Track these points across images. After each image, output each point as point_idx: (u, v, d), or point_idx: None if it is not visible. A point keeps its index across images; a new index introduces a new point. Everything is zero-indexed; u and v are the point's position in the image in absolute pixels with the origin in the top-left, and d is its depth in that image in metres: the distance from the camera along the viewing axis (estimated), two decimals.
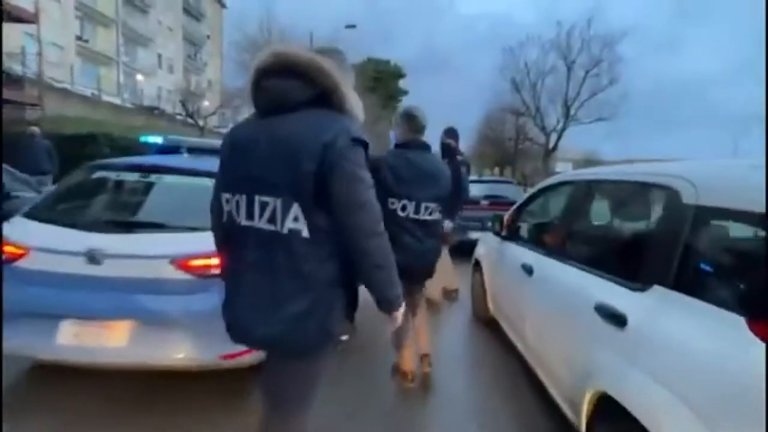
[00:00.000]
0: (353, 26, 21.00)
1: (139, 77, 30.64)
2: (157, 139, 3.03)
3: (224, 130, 31.71)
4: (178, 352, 1.99)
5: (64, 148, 8.54)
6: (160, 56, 34.86)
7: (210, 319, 2.04)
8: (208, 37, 41.44)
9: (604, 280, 1.70)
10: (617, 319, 1.49)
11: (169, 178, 2.33)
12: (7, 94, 11.41)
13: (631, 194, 1.98)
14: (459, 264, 4.66)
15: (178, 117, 27.40)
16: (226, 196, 1.18)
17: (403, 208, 2.18)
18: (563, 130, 23.95)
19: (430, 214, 2.26)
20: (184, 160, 2.71)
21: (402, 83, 40.59)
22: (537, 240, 2.73)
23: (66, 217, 2.14)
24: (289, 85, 1.08)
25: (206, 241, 2.13)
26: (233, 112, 33.31)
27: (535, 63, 24.14)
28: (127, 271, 1.97)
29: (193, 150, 2.96)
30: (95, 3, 28.22)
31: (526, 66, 24.20)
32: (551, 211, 2.95)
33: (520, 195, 7.41)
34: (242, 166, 1.12)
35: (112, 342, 1.95)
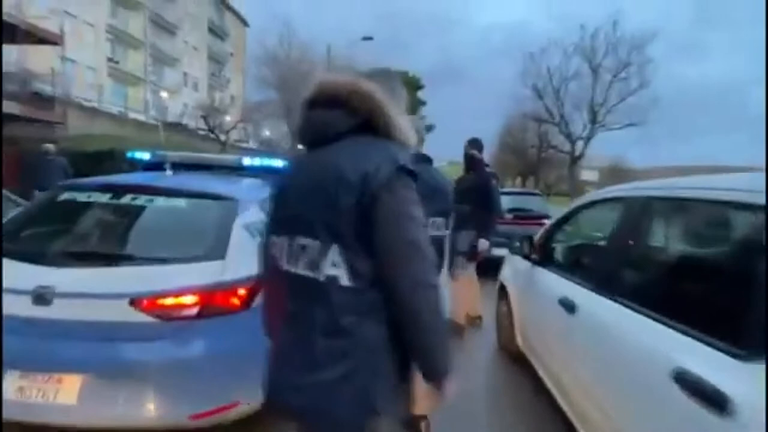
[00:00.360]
0: (370, 38, 21.00)
1: (164, 94, 31.70)
2: (145, 155, 2.77)
3: (245, 144, 32.43)
4: (139, 411, 1.64)
5: (84, 164, 8.61)
6: (185, 75, 36.10)
7: (177, 372, 1.69)
8: (232, 54, 42.73)
9: (684, 335, 1.25)
10: (712, 399, 1.04)
11: (141, 200, 2.03)
12: (37, 113, 11.79)
13: (718, 217, 1.50)
14: (482, 283, 4.19)
15: (200, 132, 28.05)
16: (273, 238, 1.06)
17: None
18: (590, 137, 22.94)
19: (437, 228, 2.24)
20: (164, 177, 2.41)
21: (420, 94, 40.49)
22: (579, 269, 2.27)
23: (21, 247, 1.85)
24: (331, 115, 0.99)
25: (177, 275, 1.78)
26: (254, 127, 33.98)
27: (557, 68, 23.38)
28: (78, 313, 1.65)
29: (178, 165, 2.67)
30: (126, 26, 29.56)
31: (548, 71, 23.47)
32: (598, 234, 2.48)
33: (546, 208, 6.86)
34: (284, 204, 1.03)
35: (60, 398, 1.63)
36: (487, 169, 3.70)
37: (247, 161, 2.71)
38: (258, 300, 1.96)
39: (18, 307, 1.65)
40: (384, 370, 0.92)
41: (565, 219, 2.59)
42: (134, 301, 1.65)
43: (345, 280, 0.90)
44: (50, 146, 7.21)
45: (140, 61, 31.13)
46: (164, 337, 1.68)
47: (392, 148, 0.96)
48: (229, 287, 1.82)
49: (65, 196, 2.09)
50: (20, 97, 11.79)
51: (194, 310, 1.73)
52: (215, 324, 1.78)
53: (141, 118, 26.76)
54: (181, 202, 2.06)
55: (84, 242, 1.92)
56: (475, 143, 3.93)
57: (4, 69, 12.77)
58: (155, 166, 2.72)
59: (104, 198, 2.05)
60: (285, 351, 1.00)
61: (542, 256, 2.59)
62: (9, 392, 1.63)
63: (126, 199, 2.04)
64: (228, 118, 29.10)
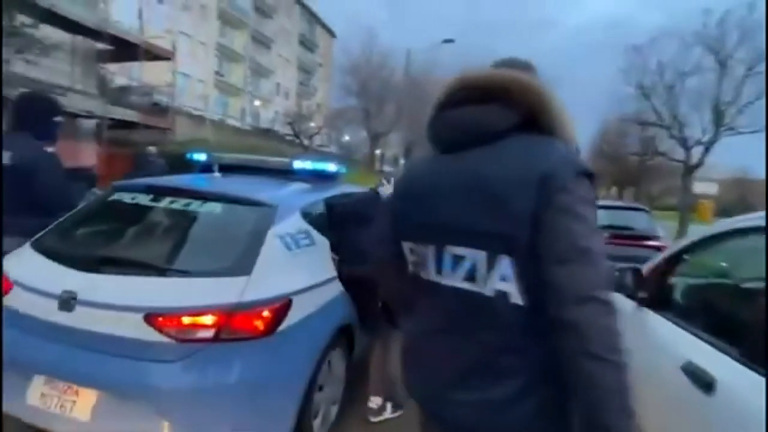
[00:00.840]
0: (451, 41, 20.41)
1: (257, 103, 34.70)
2: (201, 156, 2.73)
3: (326, 149, 34.05)
4: None
5: (182, 165, 9.52)
6: (278, 85, 39.19)
7: (187, 400, 1.48)
8: (320, 65, 45.34)
9: None
10: None
11: (178, 203, 1.91)
12: (151, 121, 13.56)
13: None
14: None
15: (288, 137, 30.08)
16: (409, 245, 0.98)
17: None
18: (712, 142, 18.98)
19: None
20: (209, 180, 2.30)
21: None
22: (716, 321, 1.61)
23: (60, 246, 1.83)
24: (485, 112, 0.88)
25: (196, 291, 1.55)
26: (337, 133, 35.52)
27: (671, 61, 19.64)
28: (97, 323, 1.53)
29: (229, 168, 2.56)
30: (231, 43, 33.06)
31: (659, 66, 19.95)
32: (744, 273, 1.77)
33: (654, 227, 5.63)
34: (426, 211, 0.93)
35: (75, 412, 1.52)
36: None
37: (297, 164, 2.50)
38: (289, 323, 1.70)
39: (45, 310, 1.59)
40: (554, 395, 0.82)
41: (695, 247, 1.88)
42: (148, 317, 1.49)
43: (516, 297, 0.82)
44: (152, 148, 8.04)
45: (241, 74, 34.54)
46: (176, 360, 1.49)
47: (563, 147, 0.86)
48: (251, 309, 1.58)
49: (114, 196, 2.06)
50: (140, 107, 13.67)
51: (210, 333, 1.51)
52: (233, 350, 1.55)
53: (238, 124, 29.57)
54: (216, 207, 1.89)
55: (112, 246, 1.84)
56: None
57: (129, 83, 14.96)
58: (211, 167, 2.66)
59: (145, 200, 1.97)
60: (434, 363, 0.93)
61: (656, 296, 1.93)
62: (32, 397, 1.58)
63: (164, 202, 1.94)
64: (312, 124, 30.79)
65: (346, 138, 35.90)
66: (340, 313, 2.15)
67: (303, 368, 1.78)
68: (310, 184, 2.50)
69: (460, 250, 0.87)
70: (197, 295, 1.55)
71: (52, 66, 9.75)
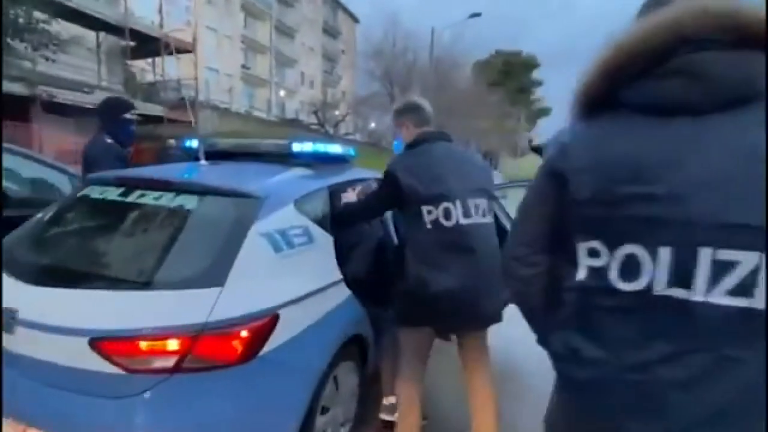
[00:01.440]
0: (478, 14, 19.28)
1: (281, 93, 34.78)
2: (193, 143, 2.42)
3: (351, 137, 33.67)
4: None
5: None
6: (302, 74, 39.04)
7: None
8: (343, 51, 44.74)
9: None
10: None
11: (147, 197, 1.59)
12: (178, 115, 13.69)
13: None
14: None
15: (313, 127, 29.96)
16: (592, 243, 0.73)
17: (447, 214, 1.63)
18: None
19: (483, 215, 1.71)
20: (190, 169, 1.98)
21: (535, 74, 36.56)
22: None
23: (19, 254, 1.54)
24: (750, 61, 0.64)
25: (154, 308, 1.19)
26: (362, 120, 35.07)
27: None
28: (37, 348, 1.25)
29: (222, 155, 2.23)
30: (255, 34, 33.10)
31: None
32: None
33: None
34: (649, 200, 0.67)
35: None
36: None
37: (296, 147, 2.14)
38: (275, 343, 1.36)
39: None
40: None
41: None
42: (94, 342, 1.18)
43: None
44: (172, 141, 8.00)
45: (266, 65, 34.61)
46: (127, 396, 1.18)
47: None
48: (223, 329, 1.24)
49: (85, 191, 1.77)
50: (168, 102, 13.82)
51: (169, 362, 1.19)
52: (200, 382, 1.22)
53: (263, 116, 29.74)
54: (190, 201, 1.56)
55: (64, 252, 1.54)
56: None
57: (157, 79, 15.16)
58: (210, 155, 2.35)
59: (113, 195, 1.66)
60: (679, 402, 0.68)
61: None
62: None
63: (132, 197, 1.62)
64: (337, 113, 30.49)
65: (372, 125, 35.39)
66: (348, 323, 1.79)
67: (296, 395, 1.44)
68: (312, 169, 2.14)
69: (728, 254, 0.63)
70: (155, 313, 1.23)
71: (78, 64, 9.90)
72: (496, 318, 1.71)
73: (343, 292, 1.82)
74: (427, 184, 1.63)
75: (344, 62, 44.98)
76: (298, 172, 2.02)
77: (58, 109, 9.97)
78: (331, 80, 42.90)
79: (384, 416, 2.04)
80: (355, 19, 45.62)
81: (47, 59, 7.10)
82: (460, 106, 29.09)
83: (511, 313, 1.16)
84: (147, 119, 12.19)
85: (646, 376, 0.69)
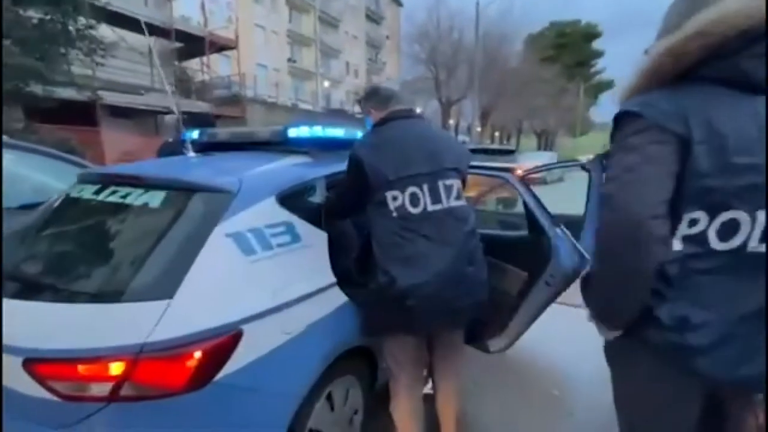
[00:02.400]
0: None
1: (326, 84, 35.14)
2: (194, 134, 2.27)
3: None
4: None
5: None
6: (347, 64, 39.08)
7: None
8: (387, 37, 44.08)
9: None
10: None
11: (115, 196, 1.44)
12: (226, 111, 14.25)
13: None
14: None
15: (358, 115, 29.96)
16: (696, 215, 0.82)
17: (414, 200, 1.46)
18: None
19: (457, 197, 1.52)
20: (172, 162, 1.81)
21: (596, 44, 33.36)
22: None
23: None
24: None
25: (95, 325, 1.00)
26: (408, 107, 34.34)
27: None
28: None
29: (216, 146, 2.06)
30: (300, 27, 33.58)
31: None
32: None
33: None
34: (756, 170, 0.77)
35: None
36: None
37: (292, 132, 1.90)
38: (237, 365, 1.14)
39: None
40: None
41: None
42: (27, 363, 1.04)
43: None
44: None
45: (312, 57, 35.07)
46: (62, 427, 1.02)
47: None
48: (167, 351, 1.04)
49: (69, 190, 1.67)
50: (218, 99, 14.40)
51: (104, 389, 1.01)
52: (140, 413, 1.04)
53: (310, 107, 30.25)
54: (155, 199, 1.38)
55: (21, 259, 1.40)
56: None
57: (206, 77, 15.84)
58: (209, 146, 2.20)
59: (88, 193, 1.54)
60: None
61: None
62: None
63: (103, 195, 1.48)
64: None
65: (418, 111, 34.68)
66: (344, 334, 1.55)
67: (266, 425, 1.22)
68: (311, 157, 1.89)
69: None
70: (93, 332, 1.06)
71: (133, 69, 10.53)
72: (474, 313, 1.56)
73: (338, 299, 1.57)
74: (392, 165, 1.47)
75: (388, 48, 44.35)
76: (290, 160, 1.79)
77: (119, 113, 10.73)
78: (376, 68, 42.56)
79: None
80: (399, 3, 44.60)
81: (98, 64, 7.59)
82: (511, 84, 27.43)
83: None
84: (195, 116, 12.80)
85: (750, 328, 0.80)
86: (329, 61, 37.32)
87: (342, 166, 1.92)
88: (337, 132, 2.04)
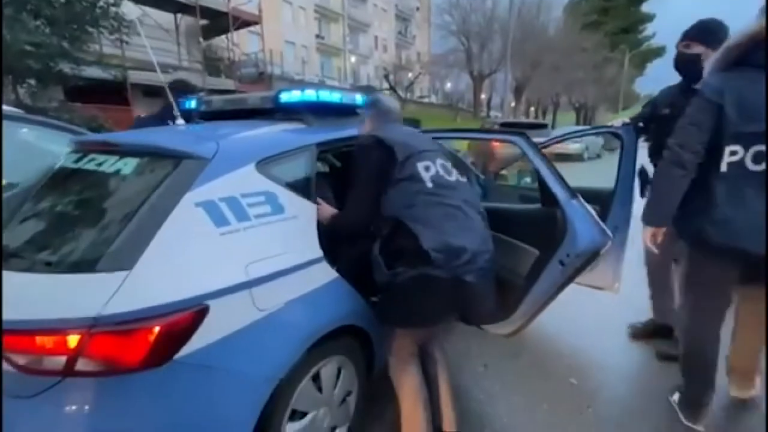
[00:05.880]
0: None
1: (353, 59, 34.53)
2: (192, 102, 2.19)
3: (427, 99, 32.27)
4: None
5: None
6: (376, 38, 38.10)
7: None
8: (417, 9, 42.42)
9: None
10: None
11: (91, 164, 1.38)
12: (250, 88, 14.26)
13: None
14: None
15: (386, 91, 29.41)
16: (734, 148, 1.42)
17: (446, 169, 1.52)
18: None
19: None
20: (156, 130, 1.73)
21: (645, 7, 30.53)
22: None
23: None
24: None
25: (54, 295, 0.95)
26: (436, 80, 33.31)
27: None
28: None
29: (213, 115, 1.96)
30: (328, 2, 32.89)
31: None
32: None
33: None
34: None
35: None
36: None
37: (284, 97, 1.77)
38: (202, 342, 1.07)
39: None
40: None
41: None
42: None
43: None
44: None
45: (339, 33, 34.42)
46: (25, 397, 0.99)
47: None
48: (122, 325, 0.98)
49: (62, 159, 1.63)
50: (246, 77, 14.41)
51: (58, 363, 0.96)
52: (96, 389, 0.98)
53: (336, 84, 29.98)
54: (127, 166, 1.30)
55: (6, 229, 1.38)
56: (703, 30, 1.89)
57: (230, 55, 15.87)
58: (212, 115, 2.12)
59: (69, 161, 1.49)
60: None
61: None
62: None
63: (82, 162, 1.43)
64: (410, 75, 29.34)
65: (448, 85, 33.50)
66: (332, 312, 1.45)
67: (239, 405, 1.15)
68: (304, 124, 1.77)
69: None
70: (49, 302, 1.00)
71: (162, 47, 10.66)
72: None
73: (326, 275, 1.46)
74: (410, 140, 1.52)
75: (418, 20, 42.75)
76: (278, 126, 1.67)
77: (150, 92, 10.98)
78: (405, 42, 41.27)
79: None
80: None
81: (124, 42, 7.72)
82: (548, 55, 25.75)
83: None
84: (220, 94, 12.94)
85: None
86: (357, 37, 36.51)
87: (338, 133, 1.79)
88: (333, 96, 1.88)
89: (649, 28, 30.95)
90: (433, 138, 1.75)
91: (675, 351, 1.85)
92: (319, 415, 1.47)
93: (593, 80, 27.71)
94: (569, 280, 1.63)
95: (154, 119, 2.66)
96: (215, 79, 12.75)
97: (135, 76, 10.14)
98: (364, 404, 1.70)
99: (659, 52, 31.91)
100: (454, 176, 1.52)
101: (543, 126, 11.69)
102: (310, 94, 1.78)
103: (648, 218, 1.59)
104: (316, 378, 1.44)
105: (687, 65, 1.94)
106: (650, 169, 2.14)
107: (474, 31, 26.70)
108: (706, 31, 1.88)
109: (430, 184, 1.41)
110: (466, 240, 1.37)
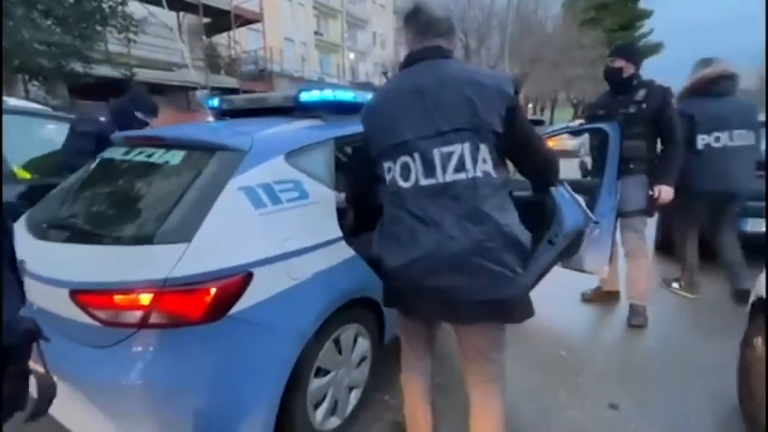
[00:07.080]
0: None
1: (351, 56, 34.53)
2: (214, 102, 2.40)
3: None
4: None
5: None
6: (374, 35, 38.15)
7: (110, 398, 1.21)
8: None
9: None
10: None
11: (141, 156, 1.60)
12: (252, 86, 14.45)
13: None
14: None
15: None
16: (705, 139, 2.80)
17: (405, 172, 1.20)
18: None
19: (461, 168, 1.14)
20: (192, 126, 1.94)
21: (643, 3, 30.70)
22: None
23: (35, 213, 1.68)
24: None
25: (126, 263, 1.18)
26: None
27: None
28: (37, 296, 1.34)
29: (235, 113, 2.17)
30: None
31: None
32: None
33: None
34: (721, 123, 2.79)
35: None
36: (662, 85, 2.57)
37: (304, 96, 1.98)
38: (249, 302, 1.28)
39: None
40: None
41: None
42: (73, 294, 1.22)
43: None
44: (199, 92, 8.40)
45: (338, 29, 34.48)
46: (102, 346, 1.21)
47: None
48: (186, 286, 1.19)
49: (105, 152, 1.85)
50: (247, 75, 14.57)
51: (135, 317, 1.18)
52: (166, 338, 1.20)
53: (335, 80, 30.09)
54: (175, 157, 1.52)
55: (64, 210, 1.60)
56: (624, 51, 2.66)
57: (231, 53, 16.01)
58: (231, 113, 2.33)
59: (118, 153, 1.71)
60: None
61: None
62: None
63: (131, 155, 1.65)
64: None
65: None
66: (348, 285, 1.66)
67: (275, 357, 1.37)
68: (322, 120, 1.97)
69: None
70: (124, 267, 1.22)
71: (166, 46, 10.81)
72: (494, 313, 1.19)
73: (345, 253, 1.68)
74: (384, 130, 1.22)
75: None
76: (300, 123, 1.87)
77: (154, 89, 11.14)
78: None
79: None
80: None
81: (130, 41, 7.90)
82: (546, 51, 25.94)
83: None
84: (223, 92, 13.09)
85: None
86: (356, 33, 36.56)
87: (351, 129, 2.00)
88: (348, 95, 2.09)
89: (647, 25, 31.18)
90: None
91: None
92: (339, 374, 1.69)
93: (591, 77, 27.91)
94: (559, 256, 1.86)
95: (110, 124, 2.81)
96: (217, 77, 12.92)
97: (140, 74, 10.30)
98: (377, 371, 1.93)
99: (656, 48, 32.17)
100: (434, 179, 1.16)
101: (540, 122, 11.91)
102: (327, 94, 1.99)
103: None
104: (337, 342, 1.66)
105: (613, 75, 2.61)
106: (588, 160, 2.77)
107: (472, 27, 26.81)
108: (628, 50, 2.64)
109: (390, 188, 1.24)
110: (397, 250, 1.21)
